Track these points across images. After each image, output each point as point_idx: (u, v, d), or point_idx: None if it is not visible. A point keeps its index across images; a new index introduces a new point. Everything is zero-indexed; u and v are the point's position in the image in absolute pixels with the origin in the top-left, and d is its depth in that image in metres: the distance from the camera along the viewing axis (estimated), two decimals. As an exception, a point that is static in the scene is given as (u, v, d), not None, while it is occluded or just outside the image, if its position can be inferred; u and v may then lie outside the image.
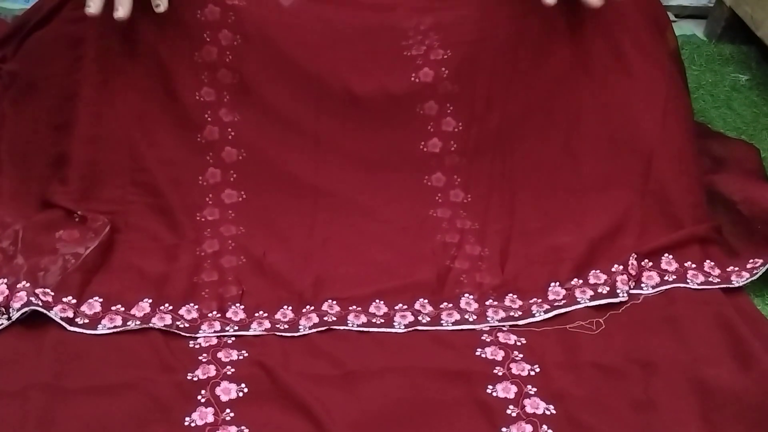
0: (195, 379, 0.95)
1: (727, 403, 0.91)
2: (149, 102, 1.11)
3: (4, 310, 0.99)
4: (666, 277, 1.08)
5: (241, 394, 0.93)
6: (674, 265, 1.09)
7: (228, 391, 0.94)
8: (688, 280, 1.07)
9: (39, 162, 1.13)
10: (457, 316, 1.04)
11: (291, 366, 0.96)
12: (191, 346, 0.99)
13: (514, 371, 0.97)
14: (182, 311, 1.03)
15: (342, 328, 1.02)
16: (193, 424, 0.90)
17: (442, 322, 1.04)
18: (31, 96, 1.14)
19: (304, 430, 0.89)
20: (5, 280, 1.01)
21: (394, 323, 1.03)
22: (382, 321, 1.03)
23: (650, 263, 1.09)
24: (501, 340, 1.01)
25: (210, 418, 0.90)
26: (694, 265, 1.09)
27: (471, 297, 1.07)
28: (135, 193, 1.11)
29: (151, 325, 1.00)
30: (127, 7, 0.99)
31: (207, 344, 1.00)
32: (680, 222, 1.13)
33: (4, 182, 1.14)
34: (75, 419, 0.89)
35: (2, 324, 0.98)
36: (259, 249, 1.10)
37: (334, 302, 1.05)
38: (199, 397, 0.93)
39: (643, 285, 1.07)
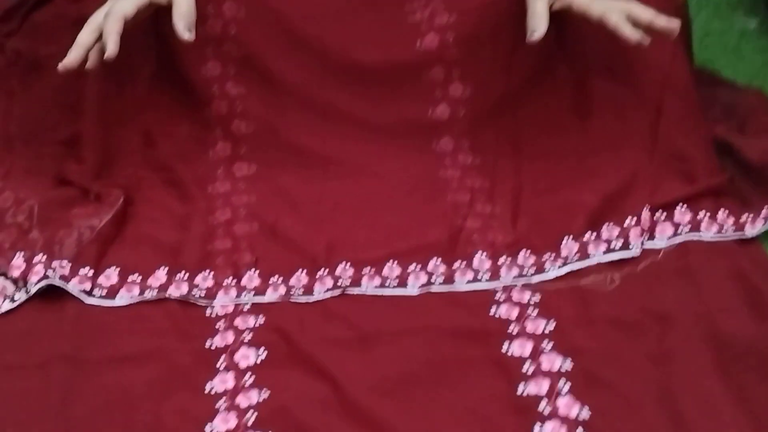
0: (213, 346, 0.96)
1: (743, 354, 0.91)
2: (156, 79, 1.11)
3: (22, 283, 1.00)
4: (680, 229, 1.07)
5: (260, 360, 0.94)
6: (688, 216, 1.08)
7: (247, 357, 0.95)
8: (702, 231, 1.07)
9: (51, 140, 1.14)
10: (470, 276, 1.04)
11: (308, 331, 0.97)
12: (208, 314, 1.00)
13: (529, 328, 0.97)
14: (198, 279, 1.04)
15: (356, 291, 1.03)
16: (213, 391, 0.91)
17: (455, 281, 1.04)
18: (38, 75, 1.15)
19: (324, 392, 0.90)
20: (22, 254, 1.02)
21: (408, 284, 1.04)
22: (397, 282, 1.04)
23: (664, 215, 1.09)
24: (515, 297, 1.01)
25: (230, 384, 0.91)
26: (708, 216, 1.08)
27: (484, 255, 1.07)
28: (146, 168, 1.13)
29: (167, 295, 1.01)
30: (114, 46, 0.95)
31: (224, 312, 1.00)
32: (693, 176, 1.12)
33: (16, 160, 1.15)
34: (97, 390, 0.90)
35: (21, 298, 0.99)
36: (271, 216, 1.11)
37: (348, 264, 1.06)
38: (219, 364, 0.94)
39: (657, 238, 1.07)
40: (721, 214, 1.09)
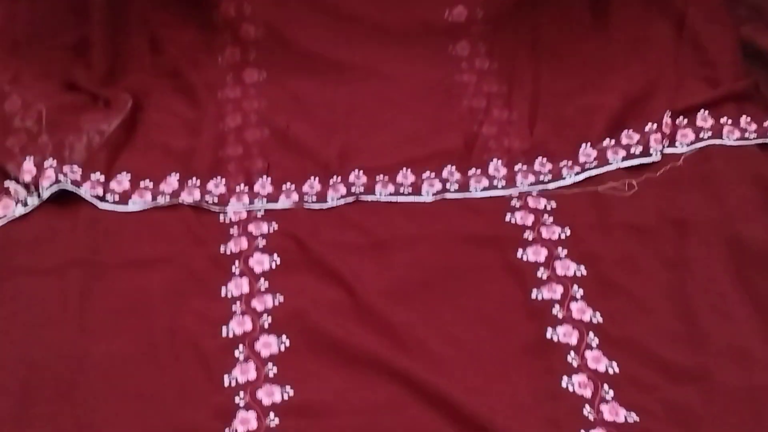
0: (228, 252, 0.96)
1: (760, 259, 0.90)
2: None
3: (34, 188, 0.99)
4: (701, 135, 1.05)
5: (274, 265, 0.94)
6: (710, 122, 1.06)
7: (261, 262, 0.95)
8: (724, 137, 1.04)
9: (58, 45, 1.12)
10: (485, 182, 1.03)
11: (321, 237, 0.97)
12: (221, 220, 1.00)
13: (545, 234, 0.97)
14: (210, 185, 1.03)
15: (370, 198, 1.02)
16: (229, 295, 0.92)
17: (470, 188, 1.03)
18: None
19: (338, 297, 0.90)
20: (32, 159, 1.01)
21: (423, 191, 1.02)
22: (410, 189, 1.03)
23: (685, 120, 1.06)
24: (531, 204, 1.00)
25: (245, 289, 0.92)
26: (730, 121, 1.06)
27: (499, 162, 1.05)
28: (156, 74, 1.11)
29: (180, 200, 1.01)
30: None
31: (237, 218, 1.00)
32: (716, 79, 1.09)
33: (23, 64, 1.13)
34: (114, 293, 0.91)
35: (34, 203, 0.99)
36: (282, 122, 1.09)
37: (361, 172, 1.04)
38: (233, 269, 0.94)
39: (677, 143, 1.05)
40: (744, 119, 1.06)
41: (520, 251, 0.95)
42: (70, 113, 1.06)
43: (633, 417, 0.79)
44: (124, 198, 1.01)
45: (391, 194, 1.02)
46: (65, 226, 0.97)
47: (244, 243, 0.97)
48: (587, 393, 0.81)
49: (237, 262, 0.95)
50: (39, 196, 0.99)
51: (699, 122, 1.06)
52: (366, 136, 1.08)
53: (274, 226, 0.99)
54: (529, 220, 0.99)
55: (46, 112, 1.05)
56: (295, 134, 1.08)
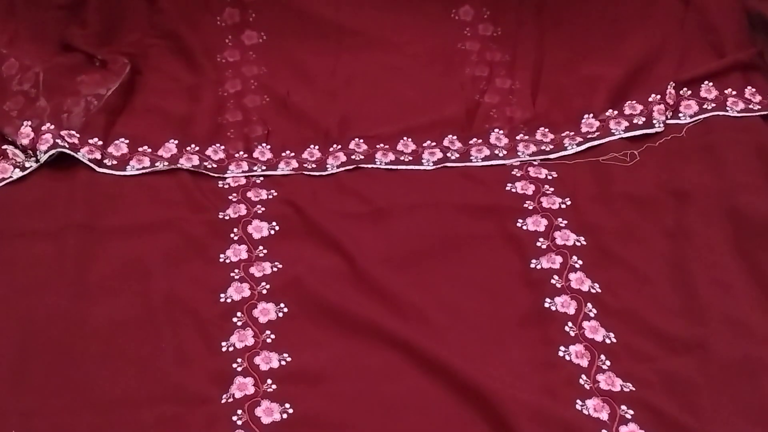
0: (226, 218, 0.96)
1: (761, 231, 0.90)
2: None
3: (31, 152, 0.99)
4: (705, 106, 1.04)
5: (272, 232, 0.94)
6: (714, 93, 1.05)
7: (260, 229, 0.94)
8: (728, 108, 1.03)
9: (54, 4, 1.10)
10: (486, 152, 1.02)
11: (320, 204, 0.97)
12: (220, 186, 1.00)
13: (545, 204, 0.96)
14: (209, 152, 1.02)
15: (370, 166, 1.01)
16: (227, 261, 0.91)
17: (471, 158, 1.02)
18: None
19: (336, 265, 0.90)
20: (29, 123, 1.01)
21: (423, 160, 1.02)
22: (411, 158, 1.02)
23: (689, 92, 1.05)
24: (531, 174, 1.00)
25: (244, 255, 0.92)
26: (734, 92, 1.05)
27: (501, 132, 1.04)
28: (153, 35, 1.10)
29: (179, 165, 1.00)
30: None
31: (236, 184, 1.00)
32: (722, 49, 1.08)
33: (19, 25, 1.11)
34: (112, 258, 0.91)
35: (31, 166, 0.98)
36: (282, 88, 1.08)
37: (361, 140, 1.04)
38: (232, 235, 0.94)
39: (681, 114, 1.04)
40: (748, 90, 1.05)
41: (520, 221, 0.95)
42: (67, 76, 1.05)
43: (629, 387, 0.79)
44: (122, 163, 1.00)
45: (391, 162, 1.02)
46: (63, 190, 0.97)
47: (242, 209, 0.96)
48: (584, 363, 0.81)
49: (235, 228, 0.94)
50: (37, 160, 0.99)
51: (703, 93, 1.05)
52: (367, 104, 1.07)
53: (273, 192, 0.98)
54: (530, 189, 0.98)
55: (43, 75, 1.04)
56: (295, 101, 1.07)
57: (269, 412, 0.77)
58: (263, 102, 1.07)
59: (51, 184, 0.97)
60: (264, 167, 1.01)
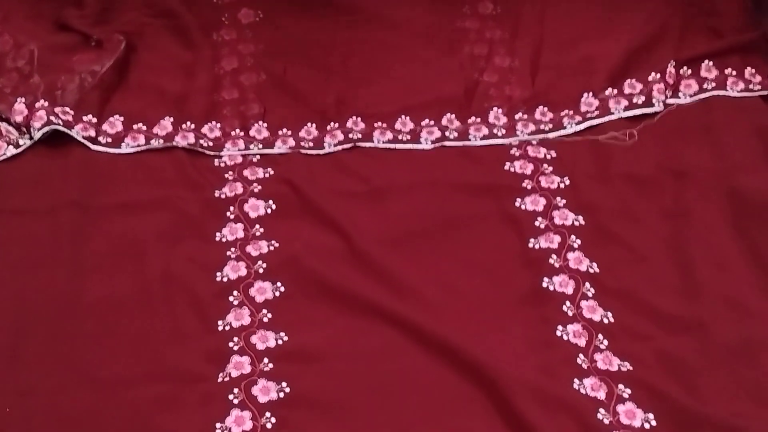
0: (222, 196, 0.95)
1: (760, 211, 0.90)
2: None
3: (25, 129, 0.98)
4: (705, 85, 1.03)
5: (269, 210, 0.94)
6: (714, 73, 1.04)
7: (256, 207, 0.94)
8: (728, 88, 1.03)
9: None
10: (485, 131, 1.02)
11: (318, 183, 0.96)
12: (216, 164, 0.99)
13: (544, 184, 0.96)
14: (205, 129, 1.01)
15: (368, 145, 1.00)
16: (224, 239, 0.91)
17: (470, 137, 1.01)
18: None
19: (333, 244, 0.90)
20: (23, 99, 1.00)
21: (421, 139, 1.01)
22: (409, 137, 1.01)
23: (689, 71, 1.04)
24: (530, 153, 0.99)
25: (240, 234, 0.91)
26: (734, 73, 1.04)
27: (500, 111, 1.03)
28: (149, 14, 1.08)
29: (174, 143, 0.99)
30: None
31: (232, 162, 0.99)
32: (722, 30, 1.07)
33: (15, 3, 1.10)
34: (107, 236, 0.90)
35: (25, 144, 0.98)
36: (279, 66, 1.07)
37: (359, 119, 1.03)
38: (228, 214, 0.93)
39: (680, 94, 1.03)
40: (749, 71, 1.04)
41: (518, 200, 0.94)
42: (62, 54, 1.04)
43: (626, 366, 0.79)
44: (117, 140, 0.99)
45: (389, 141, 1.01)
46: (57, 167, 0.96)
47: (239, 188, 0.96)
48: (581, 342, 0.81)
49: (232, 207, 0.94)
50: (31, 137, 0.98)
51: (703, 73, 1.04)
52: (364, 83, 1.06)
53: (270, 171, 0.98)
54: (529, 169, 0.97)
55: (38, 53, 1.03)
56: (292, 79, 1.06)
57: (266, 391, 0.77)
58: (260, 80, 1.06)
59: (45, 162, 0.96)
60: (260, 145, 1.00)
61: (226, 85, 1.06)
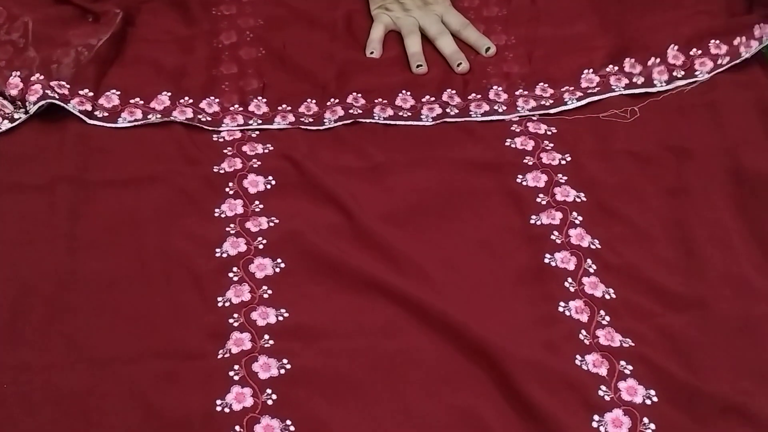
0: (221, 171, 0.94)
1: (762, 188, 0.89)
2: None
3: (20, 103, 0.96)
4: (719, 61, 1.02)
5: (269, 186, 0.93)
6: (724, 48, 1.03)
7: (255, 183, 0.93)
8: (742, 54, 1.01)
9: None
10: (486, 107, 1.01)
11: (318, 159, 0.95)
12: (215, 139, 0.98)
13: (545, 160, 0.95)
14: (203, 104, 1.00)
15: (368, 121, 0.99)
16: (223, 216, 0.90)
17: (470, 113, 1.00)
18: None
19: (334, 220, 0.89)
20: (18, 73, 0.98)
21: (422, 116, 1.00)
22: (410, 114, 1.00)
23: (699, 51, 1.03)
24: (531, 129, 0.98)
25: (239, 210, 0.90)
26: (744, 39, 1.02)
27: (500, 88, 1.03)
28: None
29: (172, 118, 0.98)
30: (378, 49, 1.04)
31: (231, 138, 0.98)
32: (726, 11, 1.06)
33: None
34: (104, 212, 0.89)
35: (20, 118, 0.96)
36: (278, 41, 1.06)
37: (359, 95, 1.02)
38: (227, 189, 0.92)
39: (697, 72, 1.01)
40: (755, 43, 1.02)
41: (519, 177, 0.93)
42: (58, 27, 1.03)
43: (628, 342, 0.79)
44: (114, 115, 0.98)
45: (389, 118, 1.00)
46: (53, 142, 0.94)
47: (238, 163, 0.95)
48: (583, 318, 0.81)
49: (231, 182, 0.93)
50: (26, 111, 0.96)
51: (713, 50, 1.03)
52: (365, 59, 1.05)
53: (269, 147, 0.97)
54: (530, 145, 0.97)
55: (33, 26, 1.01)
56: (292, 54, 1.05)
57: (266, 368, 0.77)
58: (259, 54, 1.05)
59: (40, 137, 0.95)
60: (259, 121, 0.99)
61: (224, 59, 1.04)
